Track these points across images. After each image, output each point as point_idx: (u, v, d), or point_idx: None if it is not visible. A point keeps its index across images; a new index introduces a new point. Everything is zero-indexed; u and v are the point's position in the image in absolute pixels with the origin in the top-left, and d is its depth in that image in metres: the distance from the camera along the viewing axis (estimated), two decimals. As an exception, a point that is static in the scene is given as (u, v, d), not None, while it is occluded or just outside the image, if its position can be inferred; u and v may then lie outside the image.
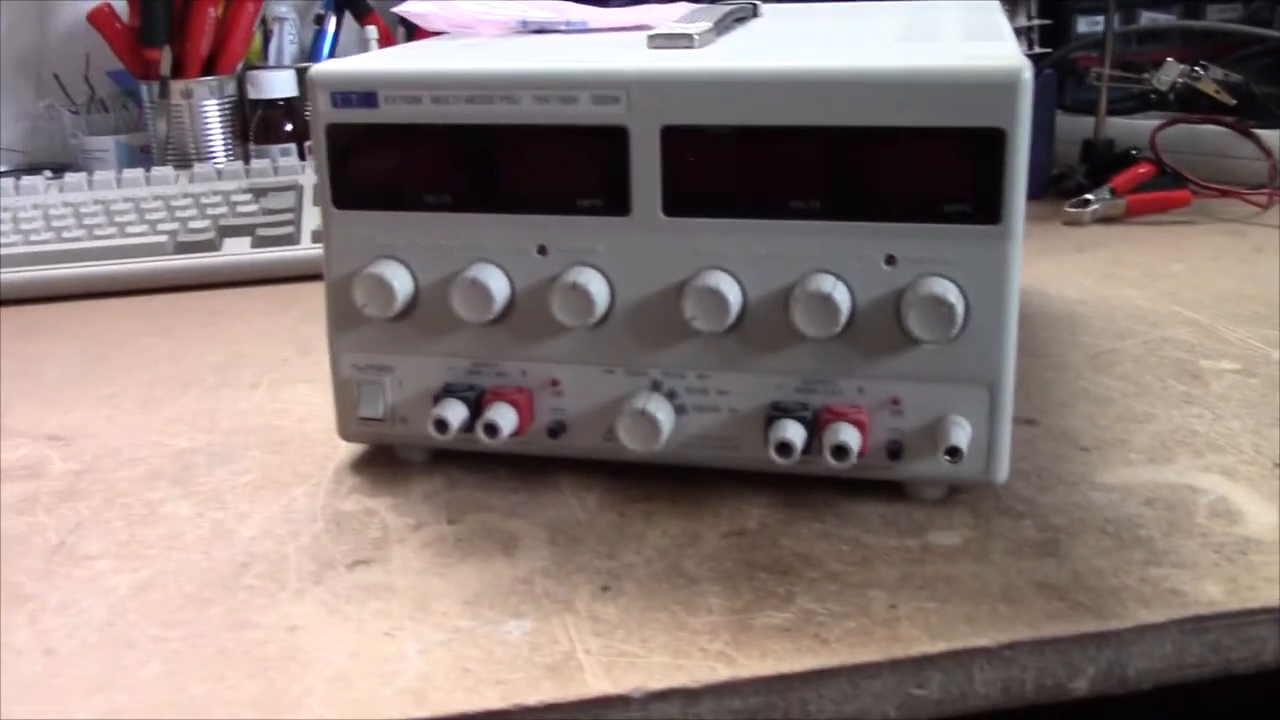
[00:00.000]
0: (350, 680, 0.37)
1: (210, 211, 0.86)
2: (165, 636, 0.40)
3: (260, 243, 0.84)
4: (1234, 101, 0.92)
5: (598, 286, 0.47)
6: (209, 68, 1.00)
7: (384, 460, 0.52)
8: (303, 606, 0.41)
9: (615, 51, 0.50)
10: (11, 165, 1.07)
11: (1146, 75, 0.93)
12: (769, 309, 0.46)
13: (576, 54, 0.49)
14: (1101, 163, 0.97)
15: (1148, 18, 1.15)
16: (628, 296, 0.48)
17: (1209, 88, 0.91)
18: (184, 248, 0.83)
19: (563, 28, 0.60)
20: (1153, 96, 0.97)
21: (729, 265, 0.46)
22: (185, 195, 0.88)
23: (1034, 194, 0.98)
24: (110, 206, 0.87)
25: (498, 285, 0.48)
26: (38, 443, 0.56)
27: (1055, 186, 0.99)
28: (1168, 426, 0.54)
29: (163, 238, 0.83)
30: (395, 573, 0.43)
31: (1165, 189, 0.92)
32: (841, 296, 0.45)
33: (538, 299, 0.48)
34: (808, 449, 0.46)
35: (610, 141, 0.46)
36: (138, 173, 0.91)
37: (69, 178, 0.90)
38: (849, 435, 0.45)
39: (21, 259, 0.81)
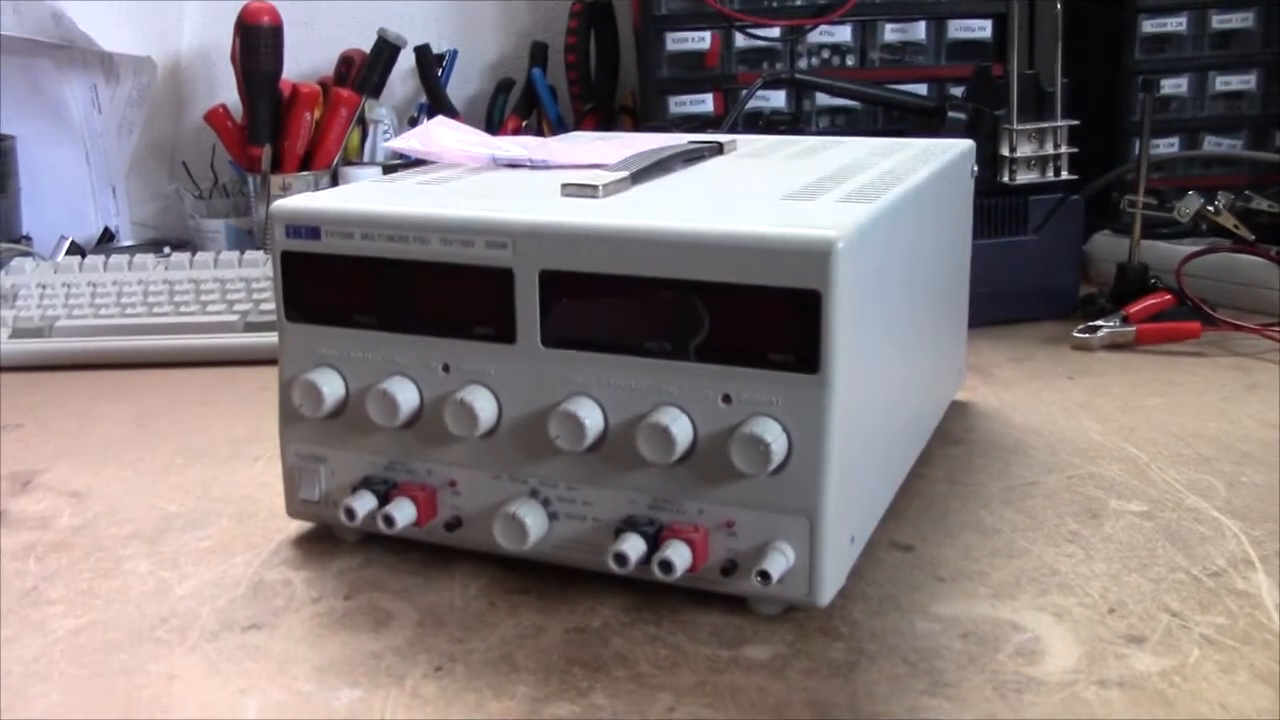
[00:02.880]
0: (196, 726, 0.45)
1: (281, 294, 0.98)
2: (72, 674, 0.49)
3: (316, 326, 0.94)
4: (1253, 237, 0.93)
5: (484, 404, 0.54)
6: (306, 163, 1.13)
7: (322, 537, 0.61)
8: (189, 660, 0.50)
9: (519, 200, 0.57)
10: (141, 240, 1.22)
11: (1170, 205, 0.95)
12: (627, 434, 0.52)
13: (483, 203, 0.56)
14: (1130, 288, 0.98)
15: (1211, 142, 1.16)
16: (513, 414, 0.55)
17: (1228, 221, 0.92)
18: (251, 327, 0.94)
19: (527, 164, 0.68)
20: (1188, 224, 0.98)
21: (595, 393, 0.53)
22: (267, 279, 1.00)
23: (1060, 315, 1.01)
24: (200, 285, 0.99)
25: (405, 396, 0.56)
26: (60, 498, 0.67)
27: (1083, 309, 1.01)
28: (1034, 564, 0.57)
29: (235, 317, 0.95)
30: (278, 638, 0.51)
31: (1182, 319, 0.93)
32: (680, 429, 0.51)
33: (440, 410, 0.55)
34: (647, 560, 0.52)
35: (499, 280, 0.54)
36: (233, 255, 1.03)
37: (174, 257, 1.03)
38: (675, 552, 0.51)
39: (113, 329, 0.94)
